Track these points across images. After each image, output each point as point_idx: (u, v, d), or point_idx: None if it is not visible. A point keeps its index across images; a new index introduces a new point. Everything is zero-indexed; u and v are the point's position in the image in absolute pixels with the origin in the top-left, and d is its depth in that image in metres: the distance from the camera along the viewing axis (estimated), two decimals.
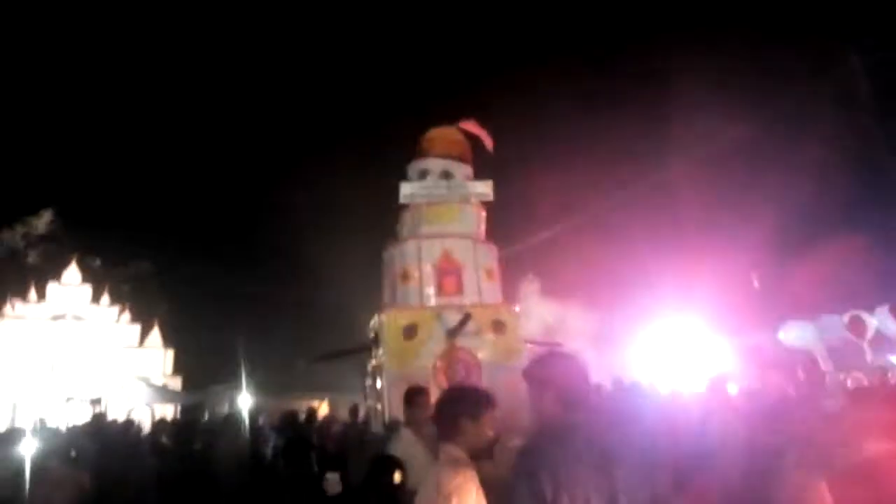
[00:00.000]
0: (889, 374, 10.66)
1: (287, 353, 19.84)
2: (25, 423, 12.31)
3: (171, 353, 22.71)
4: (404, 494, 3.28)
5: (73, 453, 6.71)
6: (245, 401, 16.74)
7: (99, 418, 10.13)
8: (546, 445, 2.15)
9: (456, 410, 2.72)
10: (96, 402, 16.78)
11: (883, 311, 13.96)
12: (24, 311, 20.26)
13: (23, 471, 7.00)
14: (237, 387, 19.95)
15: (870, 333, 13.79)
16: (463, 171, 11.71)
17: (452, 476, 2.53)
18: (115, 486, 6.29)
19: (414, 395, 4.50)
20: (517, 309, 10.65)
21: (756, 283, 17.74)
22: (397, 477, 3.27)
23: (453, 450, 2.70)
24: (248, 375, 19.47)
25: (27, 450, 8.70)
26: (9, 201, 23.33)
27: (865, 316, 13.90)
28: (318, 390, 18.70)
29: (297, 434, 9.53)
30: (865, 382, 10.23)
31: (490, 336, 10.02)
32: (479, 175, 11.82)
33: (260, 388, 19.04)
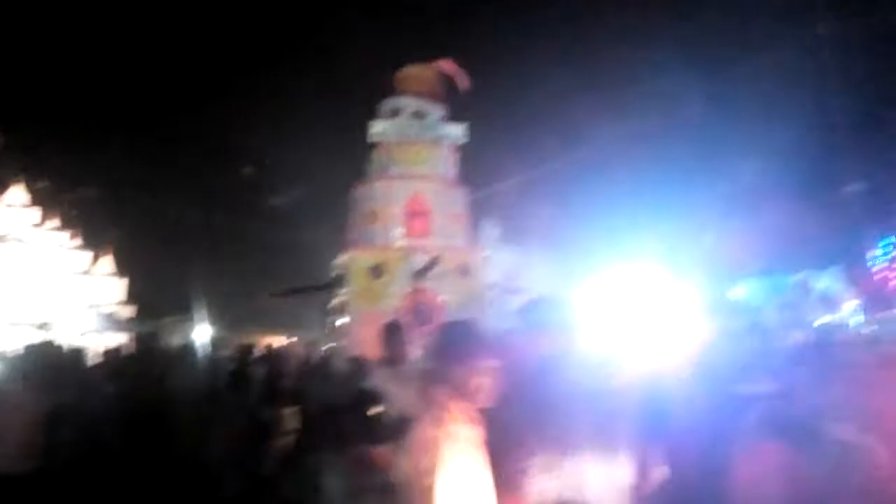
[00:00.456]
0: (832, 333, 11.24)
1: (246, 288, 19.61)
2: None
3: (123, 282, 22.16)
4: (384, 427, 3.28)
5: (22, 379, 6.54)
6: (201, 333, 16.57)
7: (49, 343, 9.85)
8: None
9: (455, 352, 2.55)
10: (43, 327, 16.35)
11: (833, 272, 14.59)
12: None
13: None
14: (192, 319, 19.70)
15: (816, 293, 14.43)
16: (436, 111, 11.47)
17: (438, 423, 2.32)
18: (70, 414, 6.19)
19: (392, 331, 4.45)
20: (484, 254, 10.69)
21: (710, 240, 18.23)
22: (377, 409, 3.25)
23: (441, 394, 2.55)
24: (205, 308, 19.21)
25: None
26: None
27: (814, 276, 14.51)
28: (277, 326, 18.61)
29: (245, 367, 9.55)
30: (810, 340, 10.76)
31: (455, 279, 10.08)
32: (451, 117, 11.60)
33: (217, 321, 18.83)
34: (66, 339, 11.22)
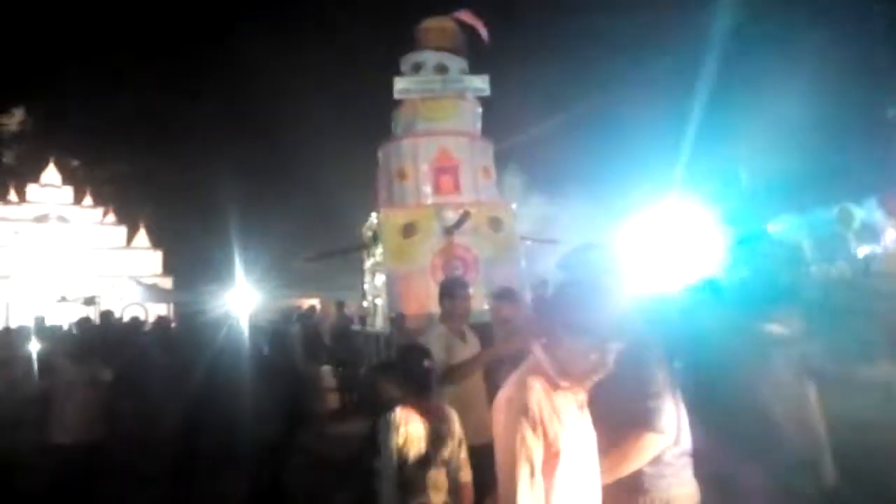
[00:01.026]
0: (871, 264, 11.03)
1: (281, 253, 19.93)
2: (22, 322, 12.40)
3: (159, 254, 22.72)
4: (433, 380, 3.32)
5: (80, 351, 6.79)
6: (240, 300, 16.98)
7: (107, 315, 10.24)
8: None
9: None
10: (90, 301, 16.94)
11: (871, 202, 14.20)
12: (6, 213, 19.89)
13: (34, 367, 7.14)
14: (231, 286, 20.17)
15: (856, 224, 14.11)
16: (458, 64, 11.27)
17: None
18: (130, 383, 6.46)
19: (454, 287, 4.09)
20: (514, 206, 10.64)
21: (744, 178, 17.85)
22: (427, 363, 3.29)
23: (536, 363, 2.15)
24: (241, 275, 19.64)
25: (34, 346, 8.85)
26: None
27: (853, 207, 14.15)
28: (314, 289, 18.97)
29: (286, 329, 9.87)
30: (849, 273, 10.59)
31: (487, 233, 10.09)
32: (473, 69, 11.41)
33: (255, 287, 19.26)
34: (113, 311, 11.61)
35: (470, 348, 3.85)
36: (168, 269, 22.83)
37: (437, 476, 2.87)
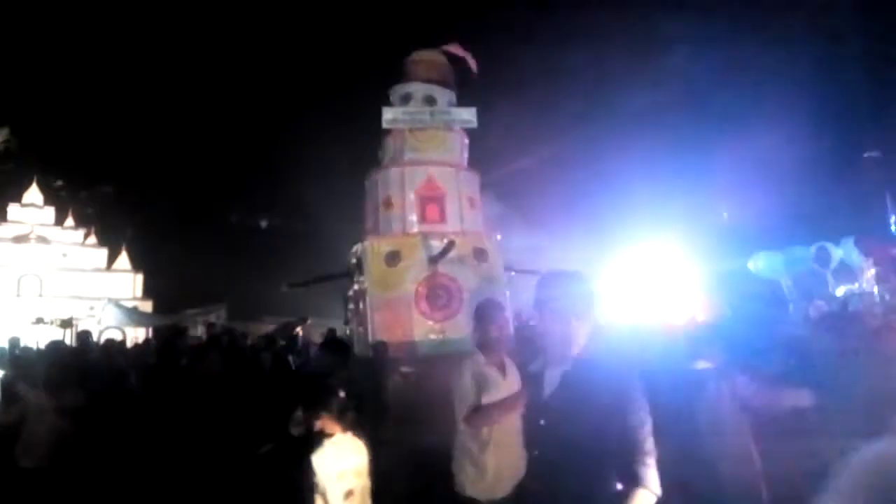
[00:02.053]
0: (849, 303, 11.20)
1: (263, 279, 19.80)
2: None
3: (139, 277, 22.46)
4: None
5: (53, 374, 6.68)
6: (219, 324, 16.78)
7: (84, 337, 10.09)
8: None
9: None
10: (67, 323, 16.63)
11: (848, 242, 14.50)
12: None
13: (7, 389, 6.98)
14: (210, 311, 19.95)
15: (834, 264, 14.37)
16: (446, 96, 11.45)
17: None
18: (103, 405, 6.36)
19: (490, 310, 3.63)
20: (498, 238, 10.73)
21: (725, 215, 18.16)
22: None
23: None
24: (223, 299, 19.45)
25: (4, 370, 8.65)
26: None
27: (831, 247, 14.43)
28: (296, 315, 18.78)
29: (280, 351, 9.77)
30: (826, 311, 10.73)
31: (472, 263, 10.13)
32: (461, 101, 11.59)
33: (235, 311, 19.10)
34: (89, 334, 11.40)
35: (510, 383, 3.30)
36: (148, 292, 22.54)
37: None
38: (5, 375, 8.31)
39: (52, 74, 28.26)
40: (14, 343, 11.00)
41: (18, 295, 18.49)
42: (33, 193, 20.91)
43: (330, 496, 3.03)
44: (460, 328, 9.84)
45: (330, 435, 3.20)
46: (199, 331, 19.25)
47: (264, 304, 19.28)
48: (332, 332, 10.92)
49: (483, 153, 12.18)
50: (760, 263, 14.80)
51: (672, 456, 2.34)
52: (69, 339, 12.21)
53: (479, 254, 10.24)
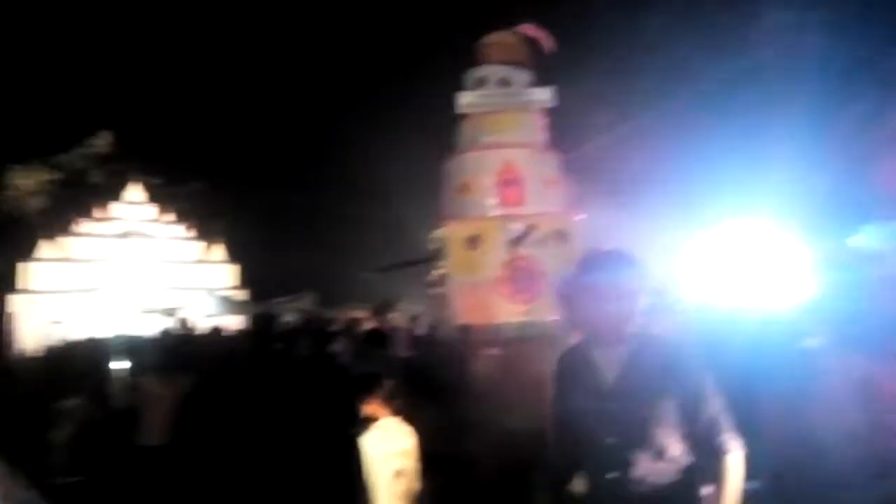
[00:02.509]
0: None
1: (349, 266, 20.42)
2: (109, 333, 13.10)
3: (234, 268, 23.62)
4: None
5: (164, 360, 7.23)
6: (309, 310, 17.44)
7: (187, 325, 10.80)
8: None
9: None
10: (171, 312, 17.78)
11: None
12: (93, 229, 21.11)
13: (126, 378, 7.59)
14: (300, 298, 20.80)
15: None
16: (522, 77, 11.29)
17: None
18: (209, 388, 6.83)
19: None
20: (581, 218, 10.53)
21: (828, 185, 16.95)
22: None
23: None
24: (310, 287, 20.23)
25: (122, 358, 9.39)
26: (69, 124, 23.89)
27: None
28: (378, 301, 19.23)
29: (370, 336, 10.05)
30: None
31: (553, 246, 10.03)
32: (538, 80, 11.40)
33: (324, 299, 19.80)
34: (193, 322, 12.15)
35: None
36: (242, 282, 23.65)
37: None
38: (129, 363, 9.03)
39: (147, 80, 30.14)
40: (125, 333, 11.93)
41: (126, 287, 19.83)
42: (135, 192, 22.32)
43: (380, 476, 3.27)
44: (544, 310, 9.80)
45: (378, 419, 3.43)
46: (290, 318, 20.12)
47: (351, 291, 19.86)
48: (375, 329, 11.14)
49: (564, 130, 11.96)
50: (869, 236, 13.64)
51: (784, 440, 2.25)
52: (174, 327, 12.99)
53: (561, 235, 10.12)
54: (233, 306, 21.01)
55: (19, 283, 18.50)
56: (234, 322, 19.16)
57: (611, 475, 2.06)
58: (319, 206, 24.64)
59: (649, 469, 1.99)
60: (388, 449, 3.33)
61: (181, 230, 22.27)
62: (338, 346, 9.28)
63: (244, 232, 23.36)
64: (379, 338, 7.67)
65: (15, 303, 18.03)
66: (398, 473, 3.28)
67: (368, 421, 3.47)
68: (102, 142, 24.86)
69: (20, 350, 15.34)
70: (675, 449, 2.00)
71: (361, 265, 18.58)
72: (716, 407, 2.04)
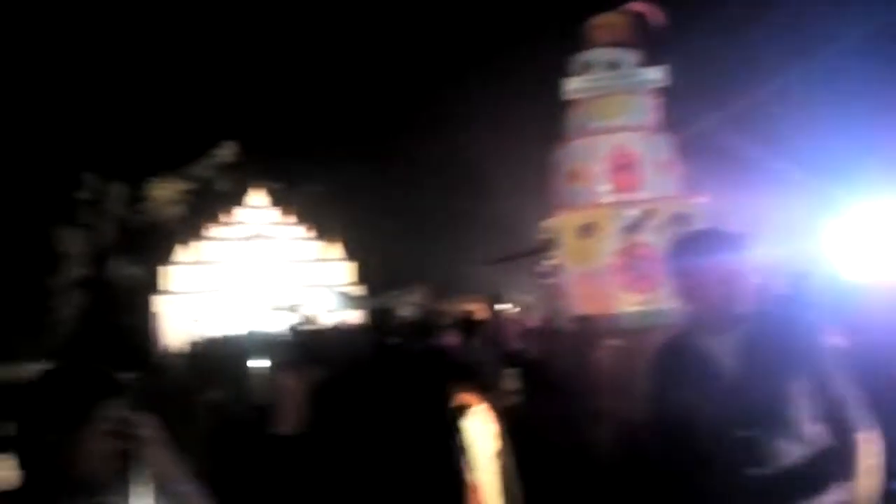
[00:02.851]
0: None
1: (460, 260, 20.68)
2: (241, 330, 14.04)
3: (352, 265, 24.57)
4: None
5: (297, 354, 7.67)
6: (420, 304, 17.83)
7: (313, 321, 11.40)
8: None
9: None
10: (295, 309, 18.83)
11: None
12: (223, 233, 22.69)
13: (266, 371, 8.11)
14: (413, 292, 21.37)
15: None
16: (631, 58, 10.87)
17: None
18: (339, 380, 7.19)
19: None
20: (703, 200, 10.00)
21: None
22: None
23: None
24: (423, 281, 20.72)
25: (255, 353, 10.05)
26: (197, 136, 25.91)
27: None
28: (489, 293, 19.36)
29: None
30: None
31: (673, 230, 9.59)
32: (649, 59, 10.93)
33: (436, 292, 20.20)
34: (317, 318, 12.79)
35: None
36: (359, 278, 24.51)
37: None
38: (261, 357, 9.67)
39: (265, 90, 32.13)
40: (254, 330, 12.80)
41: (253, 286, 21.13)
42: (259, 196, 23.73)
43: (479, 458, 3.49)
44: (664, 299, 9.42)
45: (469, 406, 3.63)
46: (405, 311, 20.66)
47: (462, 283, 20.11)
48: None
49: (679, 109, 11.40)
50: None
51: None
52: (301, 323, 13.74)
53: (681, 219, 9.65)
54: (351, 301, 21.93)
55: (161, 286, 20.33)
56: (353, 316, 19.97)
57: (749, 468, 1.91)
58: (431, 201, 25.16)
59: (787, 454, 1.87)
60: (483, 432, 3.60)
61: (301, 231, 23.47)
62: (450, 339, 9.47)
63: (360, 230, 24.28)
64: (482, 328, 7.79)
65: (158, 303, 19.83)
66: (496, 454, 3.55)
67: (463, 408, 3.69)
68: (227, 151, 26.71)
69: (164, 346, 16.82)
70: (811, 431, 1.88)
71: (473, 258, 18.76)
72: (842, 383, 1.90)
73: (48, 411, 1.24)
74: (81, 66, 22.06)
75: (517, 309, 13.44)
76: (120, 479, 1.28)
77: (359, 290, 23.16)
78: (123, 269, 23.88)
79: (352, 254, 23.77)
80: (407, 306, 16.89)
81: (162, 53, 23.76)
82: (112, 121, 23.44)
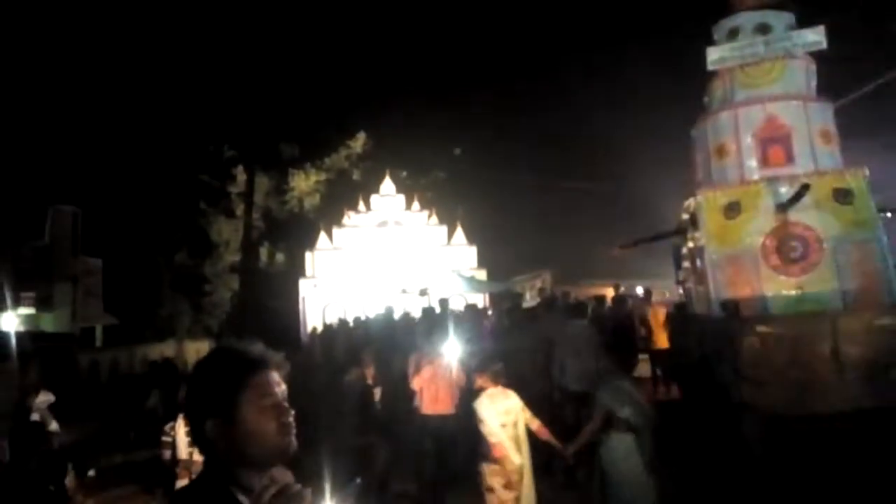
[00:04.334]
0: None
1: (584, 243, 20.29)
2: (377, 312, 14.63)
3: (474, 249, 24.88)
4: None
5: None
6: (542, 287, 17.70)
7: (444, 303, 11.71)
8: None
9: None
10: (424, 292, 19.39)
11: None
12: (357, 221, 23.78)
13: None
14: (537, 276, 21.26)
15: None
16: (784, 20, 9.95)
17: None
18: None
19: None
20: (867, 173, 9.02)
21: None
22: None
23: None
24: (548, 265, 20.55)
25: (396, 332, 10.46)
26: (331, 129, 27.26)
27: None
28: (618, 277, 18.84)
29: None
30: None
31: (833, 207, 8.76)
32: (803, 21, 9.96)
33: (560, 276, 19.99)
34: (447, 301, 13.06)
35: None
36: (482, 262, 24.76)
37: None
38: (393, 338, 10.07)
39: (390, 80, 33.21)
40: (390, 311, 13.31)
41: (385, 271, 21.97)
42: (387, 185, 24.58)
43: (492, 427, 4.76)
44: (822, 282, 8.66)
45: (485, 388, 4.92)
46: (528, 296, 20.61)
47: (587, 267, 19.73)
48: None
49: (838, 76, 10.34)
50: None
51: None
52: (432, 306, 14.09)
53: (842, 194, 8.79)
54: (475, 285, 22.20)
55: (306, 271, 21.72)
56: (478, 299, 20.20)
57: None
58: (557, 185, 24.85)
59: None
60: (498, 409, 4.82)
61: (425, 217, 24.06)
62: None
63: (482, 215, 24.51)
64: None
65: (303, 287, 21.21)
66: (503, 425, 4.78)
67: (479, 390, 4.99)
68: (358, 142, 27.90)
69: (310, 328, 17.98)
70: None
71: (597, 242, 18.32)
72: None
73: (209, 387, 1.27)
74: (235, 68, 23.97)
75: (651, 295, 12.94)
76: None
77: (482, 274, 23.36)
78: (270, 256, 25.88)
79: (472, 239, 24.06)
80: (531, 290, 16.82)
81: (294, 54, 25.16)
82: (259, 119, 25.25)
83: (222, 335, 22.52)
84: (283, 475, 1.34)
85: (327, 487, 1.43)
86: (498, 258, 24.16)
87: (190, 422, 1.31)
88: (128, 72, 24.91)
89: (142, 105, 25.22)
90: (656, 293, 13.48)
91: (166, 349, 19.43)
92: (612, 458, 4.49)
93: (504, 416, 4.84)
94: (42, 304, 24.00)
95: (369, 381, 6.98)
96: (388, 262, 22.79)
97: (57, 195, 24.05)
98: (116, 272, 25.51)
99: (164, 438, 5.20)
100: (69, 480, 4.73)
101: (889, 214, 9.38)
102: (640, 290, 13.11)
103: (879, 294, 8.36)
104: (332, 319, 15.97)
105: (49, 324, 22.77)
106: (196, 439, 1.28)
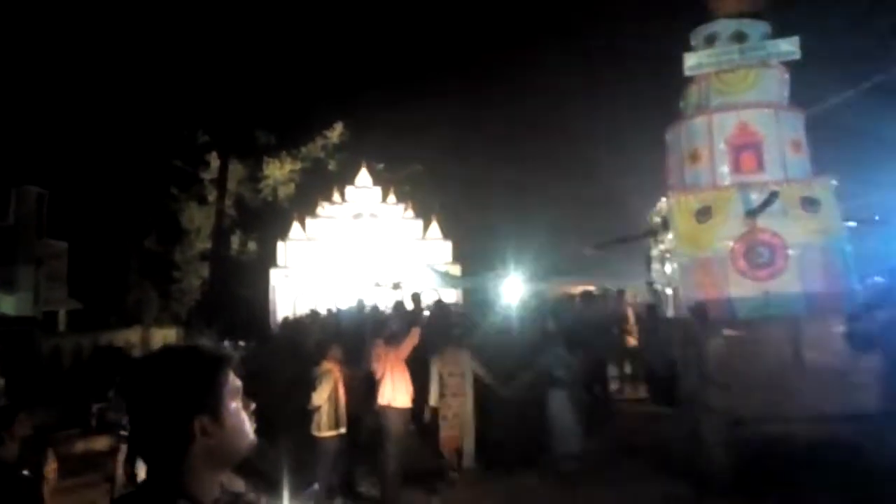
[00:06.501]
0: None
1: (556, 241, 20.39)
2: (348, 304, 14.55)
3: (449, 244, 24.85)
4: None
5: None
6: (511, 285, 17.78)
7: (417, 298, 11.71)
8: None
9: None
10: (397, 286, 19.33)
11: None
12: (331, 211, 23.58)
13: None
14: (507, 273, 21.29)
15: None
16: (760, 29, 10.13)
17: None
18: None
19: None
20: (834, 183, 9.24)
21: None
22: None
23: None
24: (517, 262, 20.59)
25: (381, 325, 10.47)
26: (307, 119, 26.97)
27: None
28: (587, 276, 18.98)
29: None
30: None
31: (799, 215, 8.96)
32: (778, 31, 10.14)
33: (532, 273, 20.03)
34: (420, 296, 13.01)
35: None
36: (456, 257, 24.75)
37: None
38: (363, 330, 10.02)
39: (370, 71, 32.95)
40: (361, 305, 13.25)
41: (358, 263, 21.82)
42: (363, 176, 24.41)
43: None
44: (786, 287, 8.86)
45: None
46: (495, 291, 20.63)
47: (558, 266, 19.82)
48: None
49: (809, 85, 10.55)
50: None
51: None
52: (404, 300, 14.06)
53: (809, 203, 8.99)
54: (449, 280, 22.20)
55: (277, 261, 21.48)
56: (451, 294, 20.19)
57: None
58: (532, 182, 24.94)
59: None
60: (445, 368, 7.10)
61: (401, 210, 23.98)
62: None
63: (457, 210, 24.49)
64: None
65: (274, 277, 20.98)
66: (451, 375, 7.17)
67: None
68: (336, 132, 27.65)
69: (280, 319, 17.77)
70: None
71: (570, 241, 18.41)
72: None
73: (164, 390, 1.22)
74: (210, 53, 23.53)
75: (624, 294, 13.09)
76: None
77: (456, 269, 23.38)
78: (242, 244, 25.54)
79: (447, 233, 24.06)
80: (502, 286, 16.87)
81: (274, 42, 24.81)
82: (235, 105, 24.86)
83: (191, 323, 22.13)
84: (235, 483, 1.32)
85: (285, 494, 1.41)
86: (475, 253, 24.16)
87: (163, 420, 1.20)
88: (101, 51, 24.27)
89: (114, 85, 24.61)
90: (628, 294, 13.63)
91: (132, 336, 19.03)
92: (552, 408, 6.74)
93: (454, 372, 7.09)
94: (3, 286, 23.34)
95: (337, 375, 6.92)
96: (361, 254, 22.64)
97: (22, 175, 23.37)
98: (83, 256, 24.89)
99: (123, 433, 5.10)
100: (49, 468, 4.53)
101: (854, 224, 9.62)
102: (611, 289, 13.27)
103: (841, 301, 8.58)
104: (304, 310, 15.81)
105: (10, 307, 22.13)
106: (164, 439, 1.21)
